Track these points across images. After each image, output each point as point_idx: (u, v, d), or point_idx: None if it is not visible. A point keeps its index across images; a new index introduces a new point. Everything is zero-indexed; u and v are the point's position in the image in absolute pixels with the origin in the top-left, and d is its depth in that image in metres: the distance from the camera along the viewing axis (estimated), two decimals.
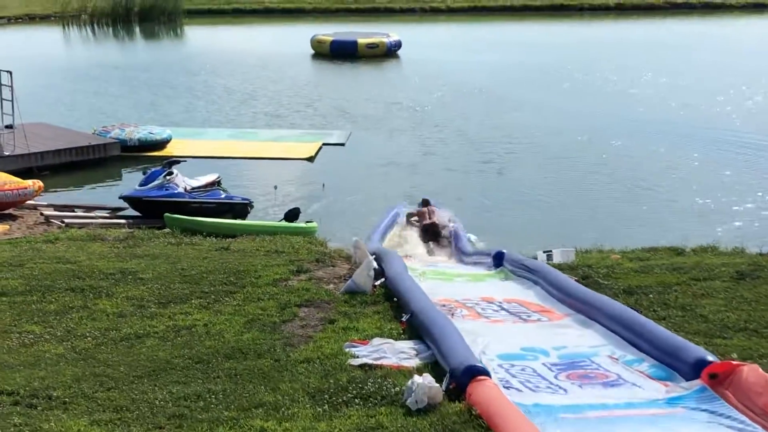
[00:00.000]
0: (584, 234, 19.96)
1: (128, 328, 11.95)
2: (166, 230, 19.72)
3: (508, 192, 25.56)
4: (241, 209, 22.92)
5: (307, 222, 21.33)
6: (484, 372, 8.83)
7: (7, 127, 26.83)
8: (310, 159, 28.56)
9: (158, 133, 29.45)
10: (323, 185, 25.50)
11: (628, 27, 61.29)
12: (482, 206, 24.13)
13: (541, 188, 25.70)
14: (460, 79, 42.78)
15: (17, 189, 21.07)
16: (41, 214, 21.35)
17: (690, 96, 38.80)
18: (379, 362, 10.03)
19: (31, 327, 12.07)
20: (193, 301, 13.34)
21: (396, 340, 10.99)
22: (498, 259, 15.81)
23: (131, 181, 26.20)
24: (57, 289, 13.85)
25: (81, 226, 20.43)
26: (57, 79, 41.57)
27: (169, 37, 56.14)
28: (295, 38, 53.38)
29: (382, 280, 13.74)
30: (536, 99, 38.28)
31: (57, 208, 22.47)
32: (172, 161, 23.30)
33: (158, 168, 23.24)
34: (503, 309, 12.48)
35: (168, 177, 22.56)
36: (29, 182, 21.46)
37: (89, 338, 11.55)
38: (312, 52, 51.13)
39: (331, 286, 14.28)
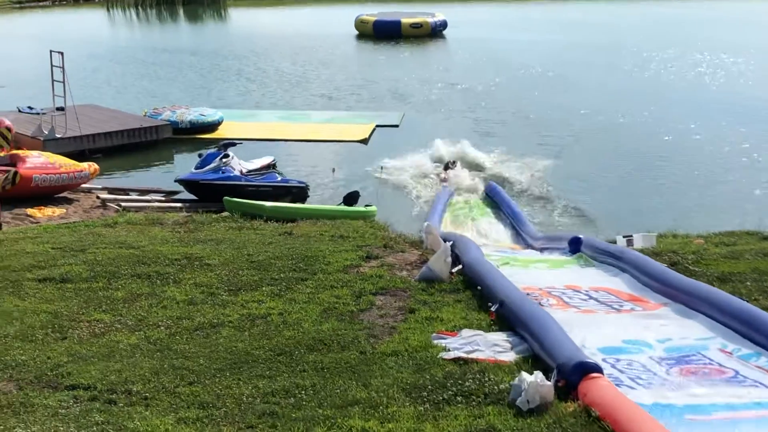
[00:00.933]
0: (657, 219, 19.31)
1: (201, 317, 11.43)
2: (225, 214, 19.26)
3: (571, 175, 24.77)
4: (298, 193, 22.44)
5: (367, 205, 20.77)
6: (597, 369, 8.20)
7: (58, 109, 26.49)
8: (364, 141, 27.94)
9: (210, 115, 28.98)
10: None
11: (680, 5, 60.04)
12: (546, 191, 23.35)
13: (606, 171, 24.95)
14: (511, 58, 42.07)
15: (73, 172, 20.64)
16: (97, 197, 20.94)
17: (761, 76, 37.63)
18: (472, 356, 9.43)
19: (100, 315, 11.58)
20: (263, 288, 12.81)
21: (486, 331, 10.36)
22: (575, 245, 15.12)
23: (183, 163, 25.80)
24: (122, 276, 13.37)
25: (138, 209, 20.01)
26: (104, 61, 41.23)
27: (213, 20, 55.61)
28: (340, 19, 52.67)
29: (460, 267, 13.14)
30: (595, 79, 37.43)
31: (111, 191, 22.05)
32: (227, 143, 22.78)
33: (214, 151, 22.72)
34: (591, 298, 11.82)
35: (224, 160, 22.08)
36: (85, 165, 21.03)
37: (162, 327, 11.04)
38: (356, 32, 50.27)
39: (404, 272, 13.70)
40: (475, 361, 9.23)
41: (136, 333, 10.86)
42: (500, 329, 10.40)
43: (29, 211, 19.36)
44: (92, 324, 11.24)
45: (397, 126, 29.71)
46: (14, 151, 21.40)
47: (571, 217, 20.67)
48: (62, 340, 10.62)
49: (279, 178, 22.57)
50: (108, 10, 55.90)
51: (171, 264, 13.98)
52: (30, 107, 29.11)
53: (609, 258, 13.81)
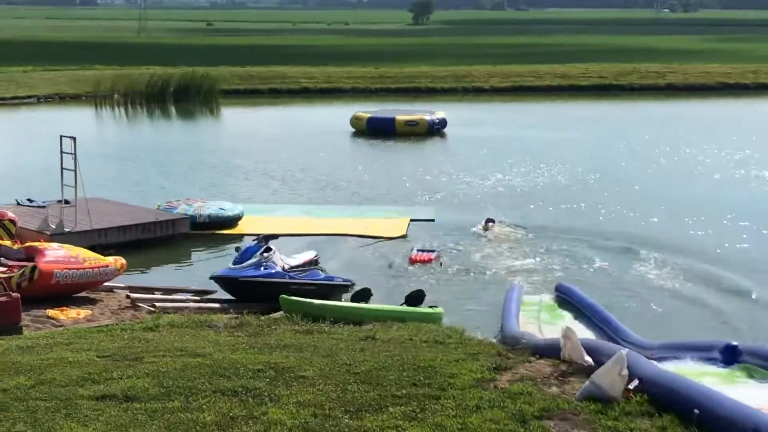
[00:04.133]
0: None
1: None
2: (278, 315, 16.61)
3: (624, 277, 22.06)
4: (342, 291, 19.66)
5: (431, 306, 18.01)
6: None
7: (65, 201, 23.73)
8: (403, 236, 25.17)
9: (230, 209, 26.31)
10: (440, 264, 22.16)
11: (686, 106, 58.46)
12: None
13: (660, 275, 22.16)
14: (522, 153, 39.47)
15: (98, 267, 17.81)
16: (127, 296, 18.09)
17: None
18: None
19: None
20: (390, 409, 9.97)
21: None
22: (729, 353, 12.31)
23: (202, 261, 23.10)
24: (201, 392, 10.50)
25: (175, 310, 17.14)
26: (96, 158, 38.33)
27: (206, 117, 53.27)
28: (336, 117, 50.39)
29: (637, 382, 10.25)
30: (634, 177, 34.93)
31: (134, 289, 19.19)
32: (268, 236, 20.16)
33: (253, 244, 20.02)
34: None
35: (265, 254, 19.39)
36: (111, 259, 18.17)
37: None
38: (352, 129, 47.94)
39: (554, 389, 10.90)
40: None
41: None
42: None
43: (50, 312, 16.53)
44: None
45: (433, 220, 27.05)
46: (30, 243, 18.51)
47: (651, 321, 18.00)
48: None
49: (322, 275, 19.85)
50: (96, 108, 53.41)
51: (256, 376, 11.13)
52: (30, 200, 26.39)
53: None
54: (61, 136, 23.66)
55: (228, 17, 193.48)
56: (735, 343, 12.60)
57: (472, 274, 22.02)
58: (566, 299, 19.51)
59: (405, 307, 17.60)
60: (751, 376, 11.67)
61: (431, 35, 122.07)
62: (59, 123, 46.79)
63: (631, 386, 10.17)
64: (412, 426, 9.34)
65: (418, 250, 23.43)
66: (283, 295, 16.65)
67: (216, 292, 19.53)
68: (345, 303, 17.23)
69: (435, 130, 47.17)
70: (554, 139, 44.29)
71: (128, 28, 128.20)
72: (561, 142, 43.11)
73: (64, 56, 74.61)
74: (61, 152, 23.30)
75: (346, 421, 9.49)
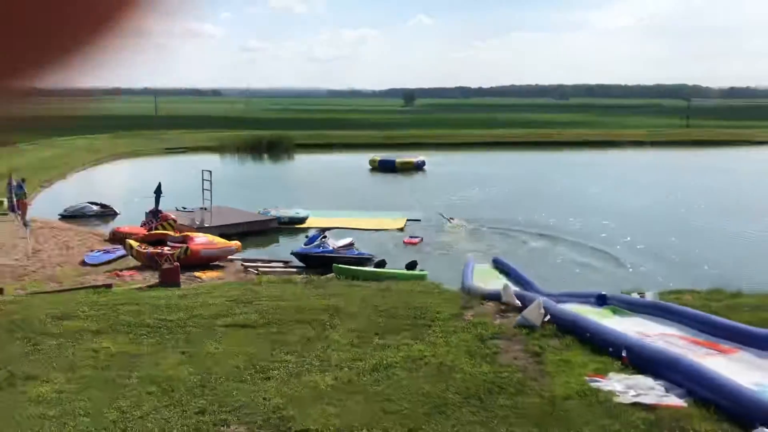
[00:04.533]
0: None
1: (370, 358, 8.19)
2: (330, 276, 16.02)
3: (534, 253, 21.57)
4: (368, 262, 19.13)
5: (420, 270, 17.48)
6: None
7: (203, 209, 23.31)
8: (401, 229, 24.68)
9: (301, 212, 25.82)
10: (421, 239, 21.73)
11: (567, 154, 57.85)
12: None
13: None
14: (473, 181, 38.73)
15: (225, 247, 17.42)
16: (241, 264, 17.55)
17: None
18: (638, 399, 6.11)
19: (288, 357, 8.28)
20: (402, 332, 9.56)
21: (621, 374, 7.09)
22: (601, 299, 11.85)
23: (285, 244, 22.54)
24: (288, 322, 10.07)
25: (268, 273, 16.66)
26: (222, 184, 37.70)
27: (285, 161, 52.74)
28: (360, 160, 49.46)
29: (548, 317, 9.83)
30: (540, 190, 34.29)
31: (245, 261, 18.61)
32: (324, 229, 19.67)
33: (315, 233, 19.57)
34: (674, 345, 8.50)
35: (323, 239, 18.90)
36: (233, 243, 17.74)
37: (345, 369, 7.77)
38: (369, 167, 47.11)
39: (499, 320, 10.41)
40: (653, 407, 5.93)
41: (327, 373, 7.54)
42: (635, 373, 7.14)
43: (196, 274, 16.05)
44: (284, 364, 7.90)
45: (419, 220, 26.47)
46: (185, 233, 18.10)
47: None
48: (267, 380, 7.27)
49: (356, 252, 19.34)
50: (221, 155, 52.96)
51: (321, 312, 10.71)
52: (184, 207, 25.84)
53: (649, 309, 10.52)
54: (202, 170, 23.27)
55: (298, 102, 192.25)
56: (604, 292, 12.19)
57: (442, 251, 21.51)
58: (500, 267, 19.05)
59: (405, 271, 17.14)
60: (614, 313, 11.26)
61: (416, 113, 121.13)
62: (199, 163, 46.52)
63: (545, 319, 9.81)
64: (416, 343, 8.95)
65: (409, 237, 22.98)
66: (334, 264, 16.23)
67: (291, 261, 19.05)
68: (370, 268, 16.73)
69: (420, 168, 46.46)
70: (493, 173, 43.69)
71: (239, 108, 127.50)
72: (498, 175, 42.43)
73: (203, 124, 74.19)
74: (203, 179, 22.90)
75: (376, 340, 9.12)
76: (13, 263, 16.92)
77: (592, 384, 6.72)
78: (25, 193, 18.13)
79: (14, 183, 20.72)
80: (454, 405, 6.29)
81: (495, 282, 17.47)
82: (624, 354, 7.46)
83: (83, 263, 17.06)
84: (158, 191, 20.44)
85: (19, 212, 19.07)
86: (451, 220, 25.96)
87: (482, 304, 11.95)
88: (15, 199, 19.98)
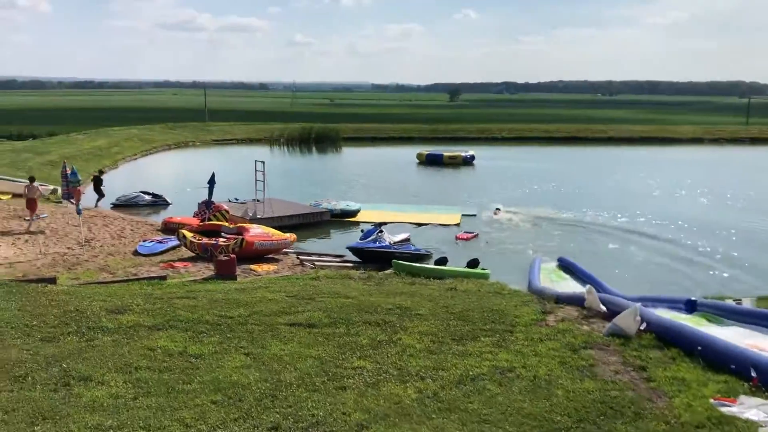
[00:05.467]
0: None
1: (453, 369, 7.33)
2: (389, 271, 15.19)
3: (597, 250, 20.32)
4: (425, 258, 18.22)
5: (482, 269, 16.49)
6: None
7: (255, 200, 22.77)
8: (457, 224, 23.68)
9: (353, 205, 25.08)
10: (486, 242, 20.62)
11: (620, 150, 55.85)
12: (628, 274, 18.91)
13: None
14: (521, 175, 37.43)
15: (280, 240, 16.69)
16: (297, 257, 16.85)
17: None
18: None
19: (360, 362, 7.48)
20: (482, 338, 8.64)
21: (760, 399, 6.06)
22: (691, 305, 10.75)
23: (337, 237, 21.79)
24: (356, 323, 9.26)
25: (323, 267, 15.92)
26: (272, 175, 37.32)
27: (334, 153, 52.02)
28: (408, 154, 48.62)
29: (645, 325, 8.79)
30: (590, 187, 32.88)
31: (299, 254, 17.90)
32: (381, 223, 18.95)
33: (371, 228, 18.76)
34: None
35: (380, 234, 18.10)
36: (287, 235, 17.01)
37: (428, 380, 6.94)
38: (416, 161, 46.13)
39: (586, 327, 9.40)
40: None
41: (408, 384, 6.70)
42: None
43: (252, 266, 15.39)
44: (358, 371, 7.07)
45: (475, 215, 25.45)
46: (240, 224, 17.48)
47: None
48: (343, 390, 6.46)
49: (412, 248, 18.46)
50: (270, 147, 52.69)
51: (389, 313, 9.87)
52: (236, 198, 25.42)
53: (748, 317, 9.39)
54: (256, 161, 22.66)
55: (343, 96, 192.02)
56: (694, 297, 11.10)
57: (499, 248, 20.38)
58: (566, 267, 17.97)
59: (467, 269, 16.19)
60: (710, 321, 10.16)
61: (461, 108, 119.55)
62: (248, 155, 46.29)
63: (641, 327, 8.78)
64: (500, 351, 8.05)
65: (464, 231, 22.03)
66: (394, 260, 15.37)
67: (345, 256, 18.27)
68: (431, 265, 15.81)
69: (468, 162, 45.34)
70: (545, 168, 42.32)
71: (285, 102, 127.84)
72: (544, 170, 41.06)
73: (253, 117, 74.22)
74: (256, 170, 22.31)
75: (455, 347, 8.23)
76: (66, 251, 16.57)
77: (722, 409, 5.72)
78: (79, 180, 17.78)
79: (68, 170, 20.41)
80: (566, 430, 5.37)
81: (563, 283, 16.43)
82: (753, 374, 6.42)
83: (135, 253, 16.60)
84: (212, 181, 19.89)
85: (73, 200, 18.74)
86: (497, 212, 25.39)
87: (560, 307, 10.98)
88: (68, 187, 19.67)
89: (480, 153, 47.32)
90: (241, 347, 7.99)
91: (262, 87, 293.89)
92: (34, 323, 8.86)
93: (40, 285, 11.46)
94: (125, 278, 12.95)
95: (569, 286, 16.21)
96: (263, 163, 21.88)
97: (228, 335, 8.51)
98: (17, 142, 42.34)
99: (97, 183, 23.89)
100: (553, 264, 18.34)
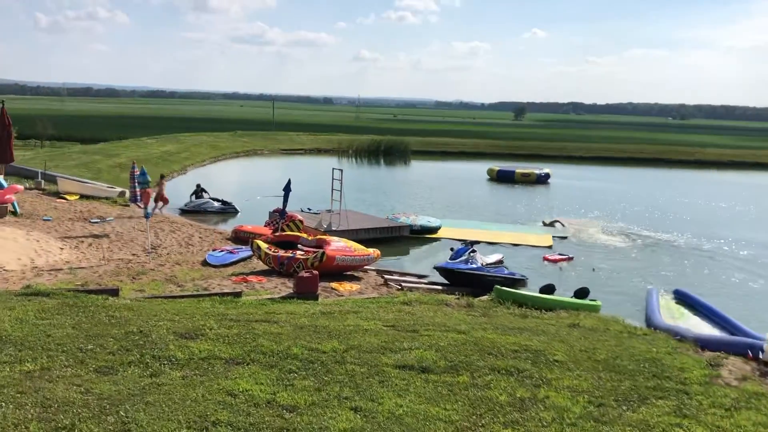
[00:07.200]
0: None
1: None
2: (484, 297, 13.27)
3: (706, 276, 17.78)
4: (520, 283, 16.09)
5: (591, 300, 14.30)
6: None
7: (329, 210, 21.13)
8: (550, 247, 21.42)
9: (433, 221, 23.12)
10: (593, 269, 18.34)
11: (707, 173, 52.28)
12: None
13: None
14: (599, 196, 34.76)
15: (363, 255, 14.85)
16: (381, 276, 15.03)
17: None
18: None
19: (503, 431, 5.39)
20: (654, 401, 6.59)
21: None
22: None
23: (416, 255, 19.94)
24: (481, 369, 7.32)
25: (410, 289, 14.05)
26: (345, 186, 35.84)
27: (403, 166, 50.32)
28: (478, 170, 46.52)
29: None
30: (675, 208, 30.06)
31: (382, 272, 16.07)
32: (473, 242, 16.95)
33: (462, 246, 16.81)
34: None
35: (472, 254, 16.10)
36: (371, 250, 15.17)
37: None
38: (487, 177, 43.88)
39: None
40: None
41: None
42: None
43: (333, 284, 13.61)
44: None
45: (566, 238, 23.15)
46: (320, 236, 15.78)
47: None
48: None
49: (506, 271, 16.36)
50: (338, 157, 51.50)
51: (518, 357, 7.88)
52: (309, 208, 23.87)
53: None
54: (333, 169, 21.04)
55: (406, 112, 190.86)
56: None
57: (594, 273, 18.00)
58: (685, 300, 15.63)
59: (577, 300, 14.03)
60: None
61: (526, 127, 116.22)
62: (316, 164, 45.19)
63: None
64: (688, 422, 5.96)
65: (558, 254, 19.82)
66: (497, 286, 13.32)
67: (429, 276, 16.32)
68: (539, 294, 13.71)
69: (543, 180, 42.83)
70: (617, 189, 39.55)
71: (350, 116, 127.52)
72: (623, 191, 38.25)
73: (318, 129, 73.48)
74: (333, 179, 20.67)
75: (625, 412, 6.17)
76: (131, 258, 15.19)
77: None
78: (148, 181, 16.49)
79: (136, 171, 19.19)
80: None
81: (688, 321, 14.14)
82: None
83: (205, 263, 15.09)
84: (287, 188, 18.32)
85: (142, 203, 17.45)
86: (555, 224, 24.46)
87: (726, 358, 8.75)
88: (138, 189, 18.43)
89: (555, 171, 44.82)
90: (345, 398, 6.12)
91: (327, 101, 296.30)
92: (90, 347, 7.24)
93: (100, 297, 9.94)
94: (195, 293, 11.34)
95: (695, 324, 13.91)
96: (341, 171, 20.22)
97: (324, 378, 6.68)
98: (88, 145, 42.18)
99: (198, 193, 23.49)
100: (669, 296, 16.03)
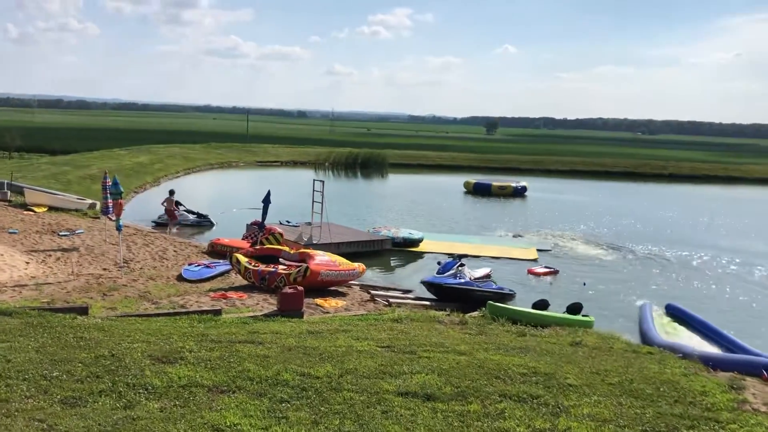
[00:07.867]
0: None
1: None
2: (476, 314, 12.71)
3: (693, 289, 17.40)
4: (508, 298, 15.51)
5: (584, 315, 13.74)
6: None
7: (308, 223, 20.39)
8: (535, 260, 20.89)
9: (415, 234, 22.39)
10: (584, 283, 17.82)
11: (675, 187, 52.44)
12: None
13: None
14: (575, 209, 34.41)
15: (348, 270, 14.11)
16: (368, 292, 14.31)
17: None
18: None
19: None
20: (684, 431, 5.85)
21: None
22: None
23: (399, 269, 19.25)
24: (489, 395, 6.65)
25: (399, 305, 13.37)
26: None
27: (380, 179, 49.61)
28: (455, 182, 46.05)
29: None
30: (648, 219, 29.85)
31: (365, 287, 15.34)
32: (461, 255, 16.35)
33: (450, 260, 16.16)
34: None
35: (460, 268, 15.47)
36: (356, 265, 14.45)
37: None
38: (464, 190, 43.41)
39: None
40: None
41: None
42: None
43: (317, 301, 12.86)
44: None
45: (550, 250, 22.64)
46: (303, 250, 15.02)
47: None
48: None
49: (494, 286, 15.76)
50: (315, 170, 50.64)
51: (529, 381, 7.26)
52: (288, 221, 23.03)
53: None
54: (314, 180, 20.30)
55: (380, 126, 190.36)
56: None
57: (579, 286, 17.53)
58: (677, 315, 15.18)
59: (570, 316, 13.44)
60: None
61: (498, 141, 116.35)
62: (294, 177, 44.34)
63: None
64: None
65: (544, 267, 19.31)
66: (490, 302, 12.68)
67: (414, 291, 15.65)
68: (532, 310, 13.09)
69: (519, 193, 42.47)
70: (595, 202, 39.35)
71: (324, 129, 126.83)
72: (601, 204, 38.01)
73: (296, 141, 72.45)
74: (314, 190, 19.93)
75: None
76: (102, 273, 14.27)
77: None
78: (121, 192, 15.59)
79: (108, 181, 18.28)
80: None
81: (682, 337, 13.69)
82: None
83: (180, 278, 14.23)
84: (267, 200, 17.54)
85: (113, 215, 16.53)
86: (518, 236, 24.44)
87: (744, 379, 8.22)
88: (110, 200, 17.49)
89: (532, 185, 44.56)
90: None
91: (301, 114, 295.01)
92: (55, 373, 6.44)
93: (68, 316, 9.10)
94: (172, 310, 10.52)
95: (690, 339, 13.46)
96: (322, 182, 19.49)
97: (321, 408, 5.95)
98: (57, 156, 40.86)
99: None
100: (660, 311, 15.57)
